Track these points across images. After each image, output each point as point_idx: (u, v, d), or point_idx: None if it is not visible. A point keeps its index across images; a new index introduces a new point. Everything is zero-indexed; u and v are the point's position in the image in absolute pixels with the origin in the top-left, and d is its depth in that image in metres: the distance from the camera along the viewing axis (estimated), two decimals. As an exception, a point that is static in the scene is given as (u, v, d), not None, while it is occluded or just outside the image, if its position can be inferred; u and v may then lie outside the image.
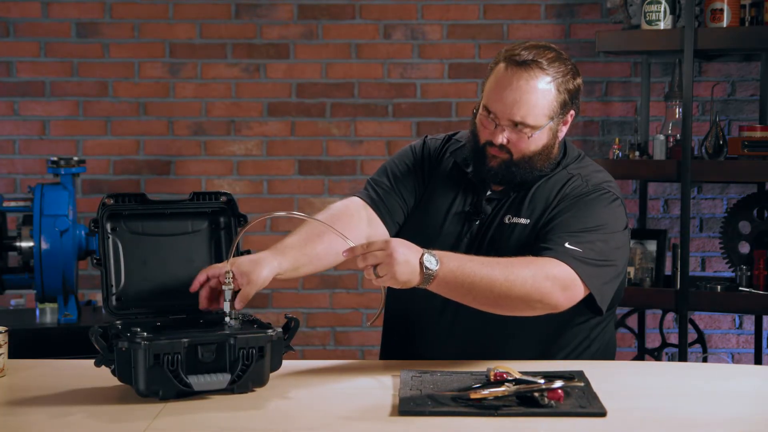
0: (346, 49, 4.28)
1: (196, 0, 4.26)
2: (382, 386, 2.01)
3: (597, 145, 4.28)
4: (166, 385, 1.87)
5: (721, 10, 3.57)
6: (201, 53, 4.27)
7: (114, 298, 2.09)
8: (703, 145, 3.68)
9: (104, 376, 1.96)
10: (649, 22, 3.64)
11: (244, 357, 1.92)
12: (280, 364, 2.01)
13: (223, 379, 1.91)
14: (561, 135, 2.29)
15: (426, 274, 1.98)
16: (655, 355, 4.02)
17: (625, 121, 4.28)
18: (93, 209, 2.22)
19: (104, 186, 4.28)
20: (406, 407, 1.82)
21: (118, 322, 1.98)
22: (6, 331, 2.10)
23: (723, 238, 3.86)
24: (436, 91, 4.28)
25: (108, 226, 2.11)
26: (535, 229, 2.24)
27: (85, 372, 2.03)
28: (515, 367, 1.92)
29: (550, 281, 2.07)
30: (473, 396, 1.83)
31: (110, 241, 2.11)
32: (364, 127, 4.30)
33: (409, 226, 2.37)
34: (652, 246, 3.83)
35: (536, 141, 2.23)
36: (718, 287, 3.71)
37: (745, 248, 3.84)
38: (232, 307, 2.02)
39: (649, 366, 2.53)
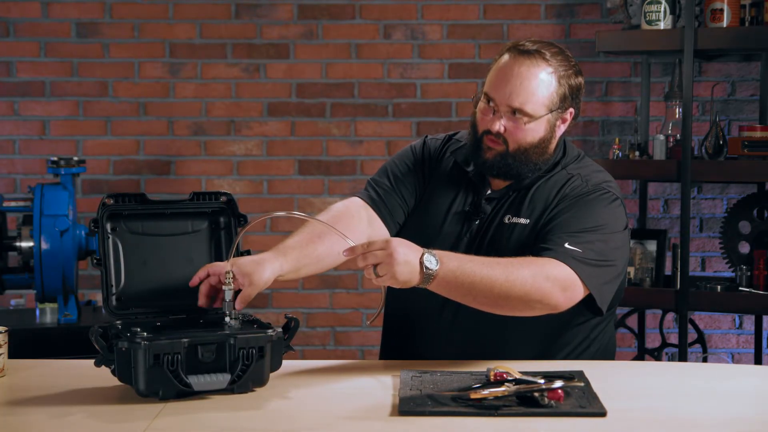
0: (346, 49, 4.28)
1: (196, 0, 4.26)
2: (382, 386, 2.01)
3: (597, 145, 4.28)
4: (166, 385, 1.87)
5: (721, 10, 3.57)
6: (201, 53, 4.27)
7: (114, 298, 2.09)
8: (703, 145, 3.67)
9: (104, 376, 1.96)
10: (649, 22, 3.64)
11: (244, 357, 1.92)
12: (280, 364, 2.01)
13: (223, 379, 1.91)
14: (559, 132, 2.29)
15: (426, 273, 1.98)
16: (655, 355, 4.02)
17: (625, 121, 4.28)
18: (93, 209, 2.22)
19: (104, 186, 4.28)
20: (406, 407, 1.82)
21: (118, 322, 1.98)
22: (6, 331, 2.10)
23: (723, 238, 3.86)
24: (436, 91, 4.28)
25: (108, 226, 2.11)
26: (535, 229, 2.24)
27: (85, 372, 2.03)
28: (515, 367, 1.91)
29: (550, 281, 2.07)
30: (473, 396, 1.83)
31: (110, 241, 2.11)
32: (364, 127, 4.30)
33: (410, 226, 2.37)
34: (652, 246, 3.83)
35: (533, 132, 2.23)
36: (718, 287, 3.71)
37: (745, 248, 3.84)
38: (232, 307, 2.02)
39: (649, 366, 2.52)
